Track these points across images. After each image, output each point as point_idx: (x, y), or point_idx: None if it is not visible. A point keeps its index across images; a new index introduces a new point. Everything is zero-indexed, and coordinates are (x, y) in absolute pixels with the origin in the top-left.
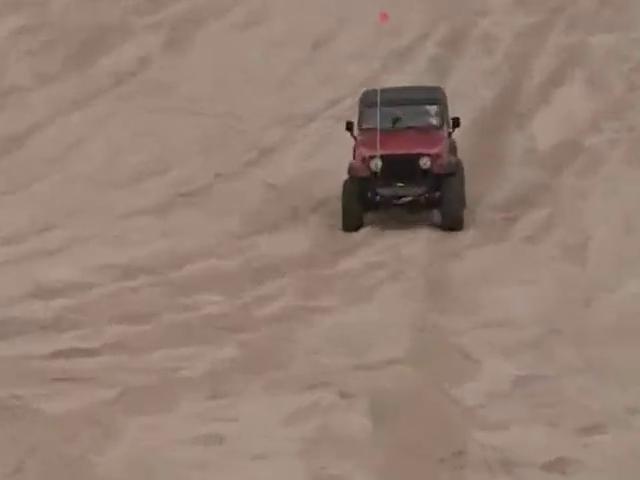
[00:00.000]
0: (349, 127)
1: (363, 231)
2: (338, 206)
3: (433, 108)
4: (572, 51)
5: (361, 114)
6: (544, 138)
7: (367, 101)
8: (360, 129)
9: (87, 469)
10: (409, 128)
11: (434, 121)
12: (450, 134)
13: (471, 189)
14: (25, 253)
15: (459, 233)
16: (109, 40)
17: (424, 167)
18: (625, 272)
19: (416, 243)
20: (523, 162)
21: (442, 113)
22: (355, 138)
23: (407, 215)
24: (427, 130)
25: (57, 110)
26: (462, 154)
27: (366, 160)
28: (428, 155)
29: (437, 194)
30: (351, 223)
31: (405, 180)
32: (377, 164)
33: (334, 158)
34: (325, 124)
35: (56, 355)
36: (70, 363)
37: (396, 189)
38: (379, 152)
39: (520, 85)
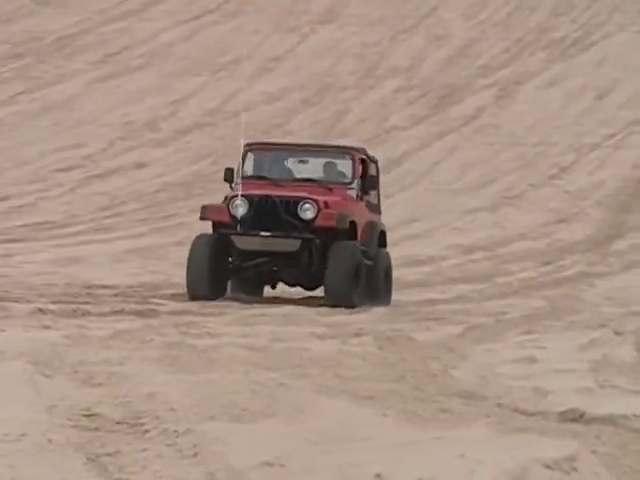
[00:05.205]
0: (228, 177)
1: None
2: (618, 200)
3: (347, 164)
4: None
5: (245, 161)
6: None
7: (257, 147)
8: (242, 177)
9: (448, 379)
10: (307, 180)
11: (344, 178)
12: (377, 210)
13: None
14: (398, 237)
15: None
16: (458, 95)
17: (304, 216)
18: None
19: None
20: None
21: (355, 173)
22: (232, 189)
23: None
24: (329, 185)
25: (424, 142)
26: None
27: (226, 202)
28: (312, 200)
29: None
30: (198, 290)
31: (275, 231)
32: (238, 206)
33: (609, 175)
34: (603, 151)
35: (422, 303)
36: (431, 308)
37: (259, 241)
38: (242, 192)
39: None
